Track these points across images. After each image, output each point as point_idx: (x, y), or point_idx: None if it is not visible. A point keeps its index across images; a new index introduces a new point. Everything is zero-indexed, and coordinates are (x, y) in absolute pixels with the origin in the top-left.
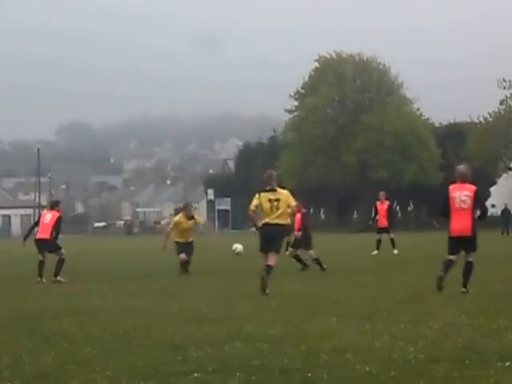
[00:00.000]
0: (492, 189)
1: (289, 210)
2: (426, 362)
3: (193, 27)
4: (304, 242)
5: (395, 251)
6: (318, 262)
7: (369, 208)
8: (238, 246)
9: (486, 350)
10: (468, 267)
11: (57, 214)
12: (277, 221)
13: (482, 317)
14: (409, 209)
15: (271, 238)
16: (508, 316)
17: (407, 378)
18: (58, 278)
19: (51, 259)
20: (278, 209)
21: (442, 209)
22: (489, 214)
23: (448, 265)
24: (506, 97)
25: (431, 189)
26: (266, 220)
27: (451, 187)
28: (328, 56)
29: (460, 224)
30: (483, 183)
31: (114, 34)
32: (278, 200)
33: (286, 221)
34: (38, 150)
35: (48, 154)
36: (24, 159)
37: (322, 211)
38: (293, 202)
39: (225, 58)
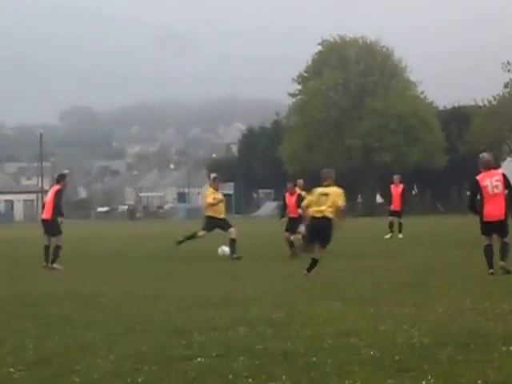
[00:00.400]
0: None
1: (337, 207)
2: (431, 345)
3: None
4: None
5: (400, 235)
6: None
7: (373, 192)
8: (225, 250)
9: (491, 334)
10: (505, 246)
11: (56, 188)
12: (323, 214)
13: (486, 301)
14: (413, 192)
15: (318, 230)
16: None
17: (411, 361)
18: (55, 265)
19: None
20: (324, 203)
21: (472, 200)
22: None
23: (490, 252)
24: (511, 80)
25: (435, 172)
26: (313, 213)
27: (479, 177)
28: (331, 39)
29: (495, 209)
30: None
31: (116, 17)
32: (326, 195)
33: (331, 214)
34: (41, 134)
35: (51, 139)
36: (26, 144)
37: None
38: (340, 202)
39: (228, 42)
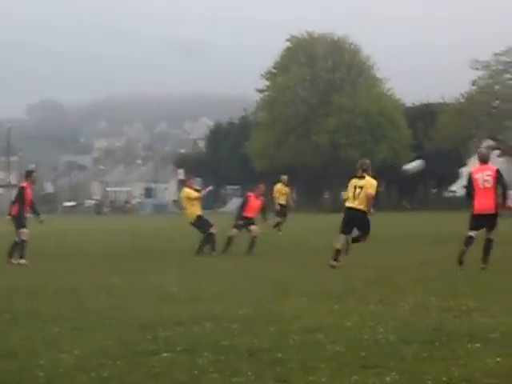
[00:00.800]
0: (462, 170)
1: (366, 194)
2: (396, 342)
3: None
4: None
5: None
6: (252, 243)
7: (340, 188)
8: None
9: (456, 331)
10: (488, 244)
11: (21, 185)
12: (357, 206)
13: (452, 298)
14: (380, 189)
15: (353, 221)
16: (478, 297)
17: (376, 358)
18: (21, 261)
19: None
20: (359, 195)
21: (468, 191)
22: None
23: (469, 241)
24: (478, 78)
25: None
26: (348, 204)
27: (473, 170)
28: (300, 36)
29: (483, 202)
30: (454, 164)
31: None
32: (361, 187)
33: (365, 206)
34: (9, 129)
35: (18, 133)
36: None
37: (294, 191)
38: (369, 190)
39: (195, 37)
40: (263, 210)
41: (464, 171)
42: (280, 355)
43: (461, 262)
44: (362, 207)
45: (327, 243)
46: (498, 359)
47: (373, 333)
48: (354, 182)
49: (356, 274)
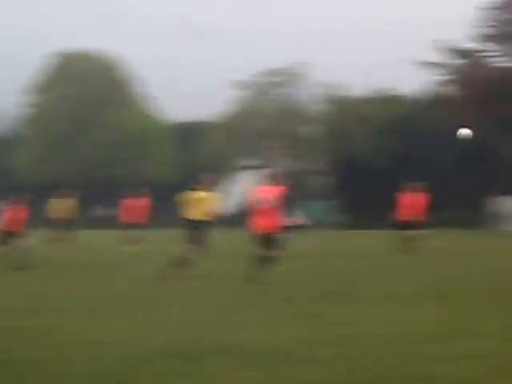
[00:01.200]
0: (228, 187)
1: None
2: (158, 356)
3: None
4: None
5: (133, 247)
6: (20, 257)
7: (109, 204)
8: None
9: (207, 345)
10: (264, 259)
11: None
12: (195, 217)
13: (216, 312)
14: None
15: (192, 231)
16: (244, 312)
17: (133, 372)
18: None
19: None
20: (197, 207)
21: (249, 208)
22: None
23: (256, 261)
24: (240, 98)
25: (167, 187)
26: (188, 215)
27: (257, 188)
28: (65, 51)
29: (263, 222)
30: (219, 182)
31: None
32: (199, 199)
33: (202, 217)
34: None
35: None
36: None
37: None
38: (211, 205)
39: None
40: (25, 222)
41: (230, 189)
42: (67, 368)
43: (251, 283)
44: (199, 217)
45: (86, 258)
46: (250, 373)
47: (129, 346)
48: (193, 194)
49: (122, 288)
